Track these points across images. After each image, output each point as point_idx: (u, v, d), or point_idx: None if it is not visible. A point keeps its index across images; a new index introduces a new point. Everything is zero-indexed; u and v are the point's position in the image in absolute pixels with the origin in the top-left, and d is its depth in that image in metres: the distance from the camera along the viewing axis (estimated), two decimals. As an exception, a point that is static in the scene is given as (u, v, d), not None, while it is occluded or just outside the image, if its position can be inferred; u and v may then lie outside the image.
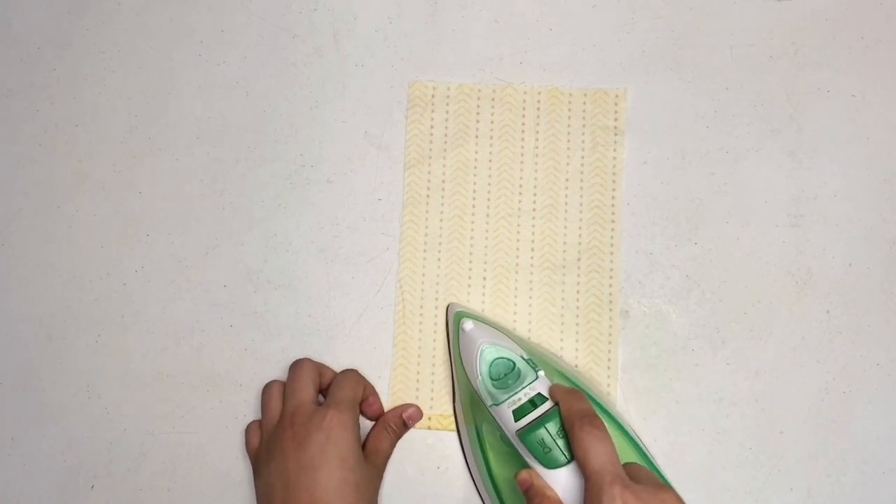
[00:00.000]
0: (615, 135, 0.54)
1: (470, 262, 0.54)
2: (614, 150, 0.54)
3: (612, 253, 0.53)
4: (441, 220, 0.54)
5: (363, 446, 0.50)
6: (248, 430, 0.52)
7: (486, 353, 0.48)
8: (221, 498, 0.53)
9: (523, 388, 0.46)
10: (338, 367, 0.53)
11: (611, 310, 0.53)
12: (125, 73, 0.57)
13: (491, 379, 0.47)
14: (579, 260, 0.54)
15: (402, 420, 0.52)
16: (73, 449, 0.53)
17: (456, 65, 0.56)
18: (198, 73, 0.57)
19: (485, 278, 0.54)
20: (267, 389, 0.51)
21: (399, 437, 0.52)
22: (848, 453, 0.51)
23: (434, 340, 0.53)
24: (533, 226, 0.54)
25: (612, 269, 0.53)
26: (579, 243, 0.54)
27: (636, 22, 0.56)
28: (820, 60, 0.55)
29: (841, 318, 0.53)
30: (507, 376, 0.47)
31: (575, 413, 0.43)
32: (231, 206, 0.55)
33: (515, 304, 0.53)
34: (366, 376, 0.53)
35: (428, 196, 0.55)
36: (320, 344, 0.54)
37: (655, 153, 0.55)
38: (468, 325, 0.49)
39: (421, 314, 0.54)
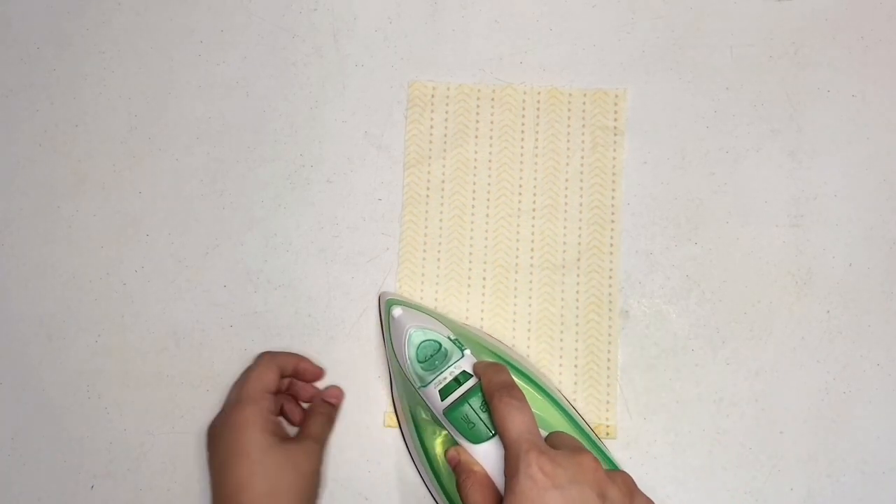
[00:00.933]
0: (615, 135, 0.54)
1: (469, 262, 0.54)
2: (614, 150, 0.54)
3: (611, 253, 0.53)
4: (441, 220, 0.54)
5: (300, 432, 0.51)
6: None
7: (414, 336, 0.48)
8: (221, 498, 0.53)
9: (448, 367, 0.46)
10: (338, 367, 0.53)
11: (610, 310, 0.53)
12: (125, 73, 0.57)
13: (418, 361, 0.48)
14: (579, 260, 0.54)
15: (326, 402, 0.52)
16: (73, 449, 0.53)
17: (456, 65, 0.56)
18: (198, 73, 0.57)
19: (484, 278, 0.54)
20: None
21: (331, 418, 0.52)
22: (848, 453, 0.51)
23: None
24: (532, 226, 0.54)
25: (611, 270, 0.53)
26: (579, 243, 0.54)
27: (636, 22, 0.56)
28: (820, 60, 0.55)
29: (841, 318, 0.53)
30: (433, 357, 0.48)
31: (494, 385, 0.44)
32: (231, 206, 0.55)
33: (515, 304, 0.53)
34: (365, 376, 0.53)
35: (427, 196, 0.55)
36: (320, 344, 0.54)
37: (655, 153, 0.55)
38: (397, 311, 0.50)
39: None
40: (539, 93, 0.55)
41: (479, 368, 0.46)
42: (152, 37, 0.58)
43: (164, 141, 0.56)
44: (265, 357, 0.52)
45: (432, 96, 0.55)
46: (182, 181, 0.56)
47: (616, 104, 0.55)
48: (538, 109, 0.55)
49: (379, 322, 0.53)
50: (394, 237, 0.55)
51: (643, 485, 0.51)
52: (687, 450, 0.52)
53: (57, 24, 0.58)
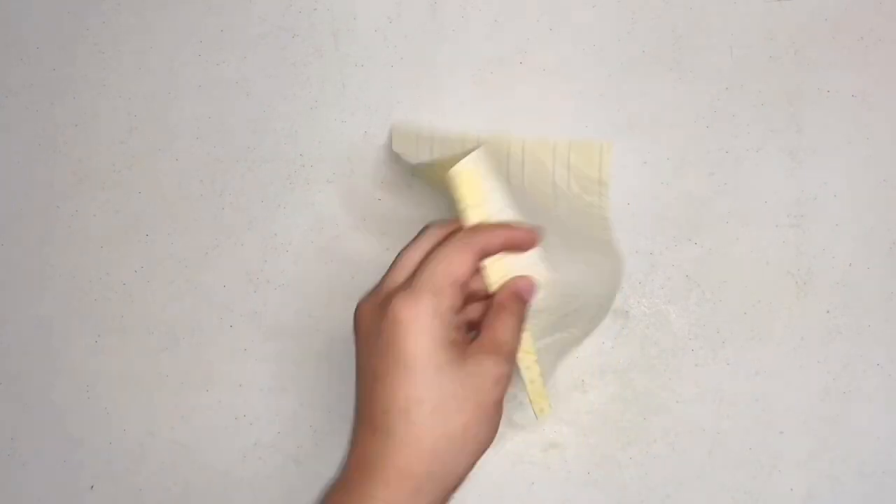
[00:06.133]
0: (599, 185, 0.50)
1: None
2: (599, 199, 0.50)
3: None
4: None
5: (479, 341, 0.37)
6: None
7: None
8: (221, 498, 0.53)
9: None
10: (339, 367, 0.54)
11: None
12: (125, 73, 0.57)
13: None
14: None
15: (517, 294, 0.38)
16: (73, 449, 0.53)
17: (456, 65, 0.56)
18: (198, 73, 0.57)
19: None
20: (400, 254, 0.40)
21: (521, 318, 0.38)
22: (848, 453, 0.51)
23: None
24: None
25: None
26: None
27: (636, 22, 0.56)
28: (820, 60, 0.55)
29: (841, 318, 0.53)
30: None
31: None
32: (231, 206, 0.55)
33: None
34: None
35: None
36: (320, 344, 0.54)
37: (655, 153, 0.55)
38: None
39: None
40: (524, 143, 0.52)
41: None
42: (152, 37, 0.58)
43: (164, 141, 0.56)
44: (461, 237, 0.37)
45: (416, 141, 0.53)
46: (182, 181, 0.56)
47: (601, 157, 0.52)
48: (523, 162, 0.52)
49: None
50: (394, 237, 0.55)
51: (642, 484, 0.51)
52: (687, 450, 0.52)
53: (57, 24, 0.58)
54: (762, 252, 0.53)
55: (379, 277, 0.53)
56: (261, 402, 0.53)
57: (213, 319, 0.54)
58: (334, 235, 0.55)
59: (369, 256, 0.54)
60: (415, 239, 0.40)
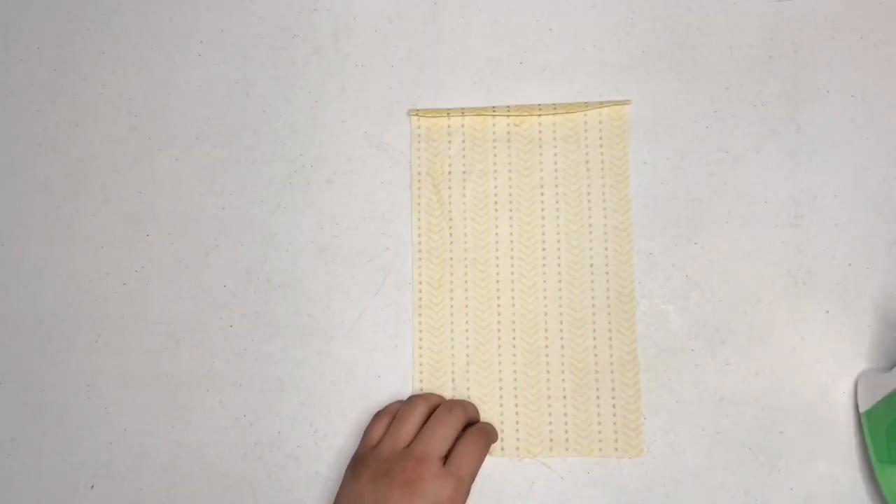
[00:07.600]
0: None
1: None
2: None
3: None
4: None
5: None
6: (377, 418, 0.50)
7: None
8: (221, 498, 0.53)
9: None
10: (339, 367, 0.54)
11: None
12: (125, 73, 0.57)
13: None
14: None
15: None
16: (73, 449, 0.53)
17: (456, 65, 0.56)
18: (198, 73, 0.57)
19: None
20: (412, 405, 0.50)
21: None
22: (848, 453, 0.51)
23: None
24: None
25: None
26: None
27: (636, 22, 0.56)
28: (820, 60, 0.55)
29: (841, 318, 0.53)
30: None
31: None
32: (231, 206, 0.55)
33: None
34: (365, 376, 0.53)
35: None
36: (320, 344, 0.54)
37: (655, 153, 0.55)
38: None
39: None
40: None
41: None
42: (152, 37, 0.58)
43: (164, 141, 0.56)
44: (476, 432, 0.49)
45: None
46: (182, 181, 0.56)
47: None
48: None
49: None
50: (394, 237, 0.55)
51: (642, 484, 0.51)
52: (687, 450, 0.52)
53: (57, 24, 0.58)
54: (762, 252, 0.53)
55: (378, 278, 0.53)
56: (261, 402, 0.53)
57: (213, 319, 0.54)
58: (334, 235, 0.55)
59: (369, 257, 0.54)
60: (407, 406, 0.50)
